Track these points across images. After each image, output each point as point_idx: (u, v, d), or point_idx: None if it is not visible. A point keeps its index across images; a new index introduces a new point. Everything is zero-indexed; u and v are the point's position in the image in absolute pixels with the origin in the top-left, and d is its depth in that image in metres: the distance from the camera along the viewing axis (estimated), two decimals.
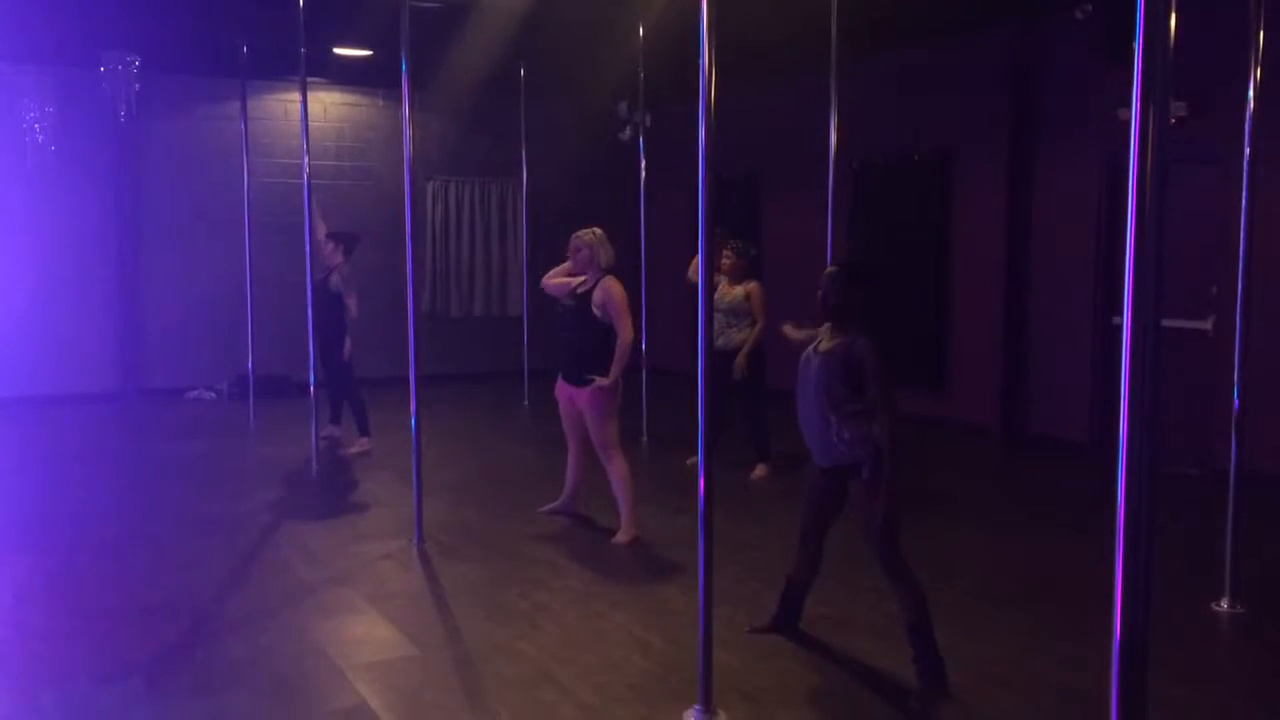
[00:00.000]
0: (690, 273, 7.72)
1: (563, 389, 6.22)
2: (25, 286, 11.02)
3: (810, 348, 4.22)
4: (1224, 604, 4.96)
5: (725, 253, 7.65)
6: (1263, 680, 4.30)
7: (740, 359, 7.50)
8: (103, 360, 11.47)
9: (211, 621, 4.83)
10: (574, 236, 6.17)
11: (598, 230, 6.17)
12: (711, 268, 3.80)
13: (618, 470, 6.10)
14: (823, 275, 4.22)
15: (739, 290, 7.64)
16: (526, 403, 11.17)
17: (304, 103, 8.06)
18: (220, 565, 5.66)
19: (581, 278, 6.17)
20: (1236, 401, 4.97)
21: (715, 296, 7.74)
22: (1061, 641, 4.57)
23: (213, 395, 11.68)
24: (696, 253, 4.02)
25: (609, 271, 6.09)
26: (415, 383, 6.06)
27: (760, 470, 7.74)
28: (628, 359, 6.02)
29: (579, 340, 6.06)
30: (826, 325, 4.20)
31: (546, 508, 6.67)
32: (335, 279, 8.56)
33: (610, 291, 5.99)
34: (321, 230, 8.53)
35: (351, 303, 8.51)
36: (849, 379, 4.01)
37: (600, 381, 5.94)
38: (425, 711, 3.89)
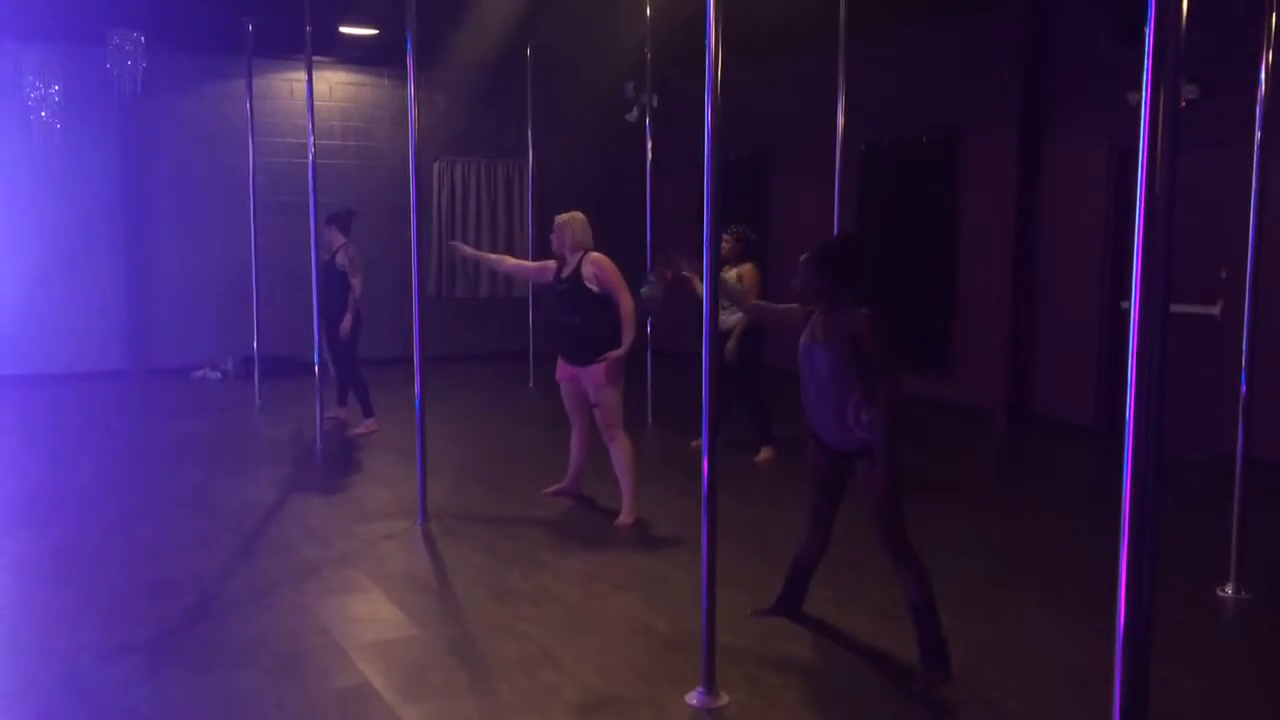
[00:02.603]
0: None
1: (565, 370, 6.21)
2: (31, 265, 11.04)
3: (806, 336, 4.17)
4: (1229, 589, 4.95)
5: (725, 237, 7.63)
6: (1267, 665, 4.29)
7: (730, 344, 7.47)
8: (108, 339, 11.49)
9: (215, 599, 4.84)
10: (556, 220, 6.23)
11: (575, 214, 6.18)
12: (718, 251, 3.77)
13: (621, 450, 6.09)
14: (798, 263, 4.13)
15: (731, 273, 7.63)
16: (531, 383, 11.17)
17: (309, 82, 8.03)
18: (224, 544, 5.68)
19: (550, 262, 6.25)
20: (1244, 387, 4.94)
21: None
22: (1065, 625, 4.56)
23: (218, 375, 11.69)
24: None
25: (587, 249, 6.10)
26: (420, 363, 6.05)
27: (764, 453, 7.73)
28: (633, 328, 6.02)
29: (581, 321, 6.02)
30: (817, 313, 4.14)
31: (550, 489, 6.68)
32: (341, 257, 8.52)
33: (600, 264, 6.00)
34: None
35: (357, 282, 8.45)
36: (856, 358, 3.97)
37: (614, 353, 5.92)
38: (428, 691, 3.90)
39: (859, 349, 3.95)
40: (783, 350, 7.70)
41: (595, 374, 6.00)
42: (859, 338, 3.95)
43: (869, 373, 3.96)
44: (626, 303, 5.97)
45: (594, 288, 5.96)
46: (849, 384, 3.99)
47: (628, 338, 5.97)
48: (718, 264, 3.75)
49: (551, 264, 6.29)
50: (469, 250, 6.70)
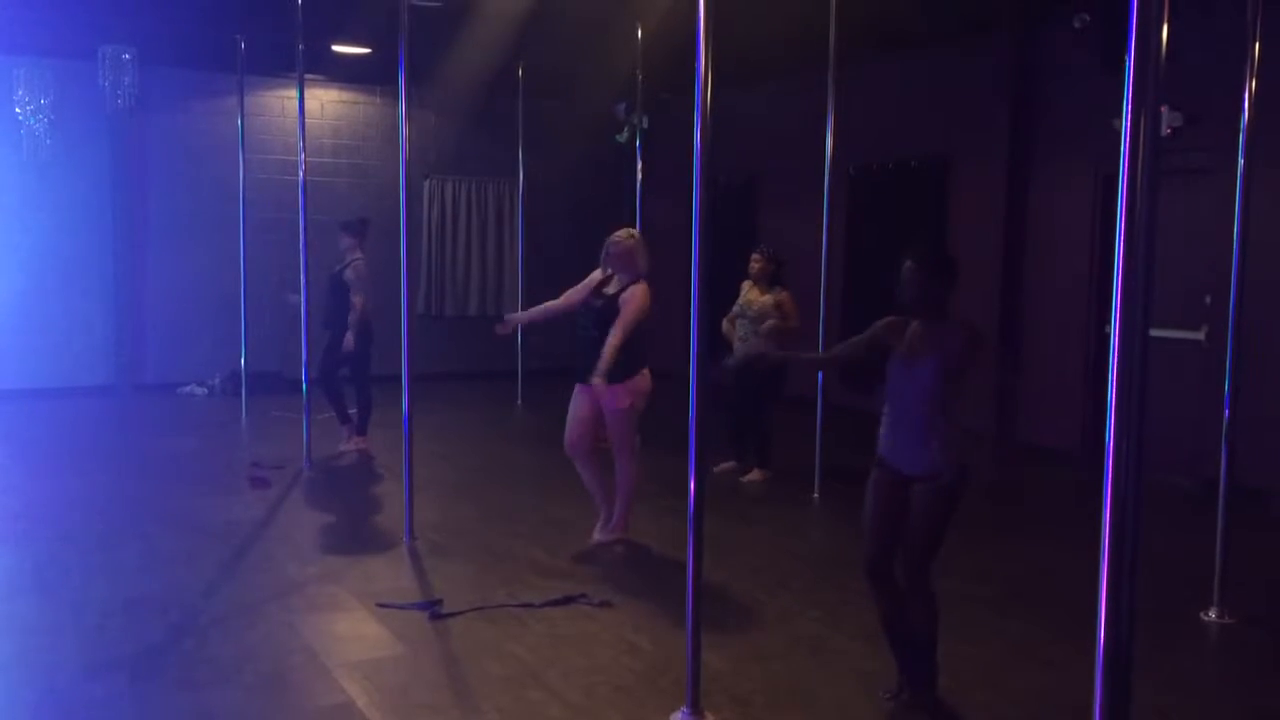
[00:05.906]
0: (725, 327, 7.73)
1: (586, 389, 6.03)
2: (20, 280, 11.01)
3: (902, 350, 3.92)
4: (1213, 613, 4.97)
5: (755, 256, 7.66)
6: (1249, 690, 4.31)
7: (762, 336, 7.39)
8: (96, 354, 11.45)
9: (199, 616, 4.82)
10: (611, 240, 5.93)
11: (633, 234, 5.98)
12: (710, 273, 3.72)
13: (629, 470, 6.04)
14: (904, 268, 3.90)
15: (768, 299, 7.58)
16: (520, 402, 11.16)
17: (301, 99, 8.05)
18: (209, 560, 5.65)
19: (602, 276, 6.00)
20: (1227, 412, 4.97)
21: (742, 303, 7.70)
22: (1049, 648, 4.57)
23: (205, 391, 11.65)
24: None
25: (642, 278, 5.92)
26: (408, 381, 6.05)
27: (755, 474, 7.72)
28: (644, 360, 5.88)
29: (601, 337, 5.81)
30: (916, 323, 3.92)
31: (597, 538, 6.18)
32: (349, 273, 8.26)
33: (635, 294, 5.80)
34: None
35: (358, 300, 8.17)
36: (957, 375, 3.80)
37: (621, 391, 5.79)
38: (412, 710, 3.88)
39: (961, 364, 3.79)
40: (802, 379, 7.69)
41: (611, 395, 5.85)
42: (966, 353, 3.79)
43: (960, 390, 3.83)
44: (615, 337, 5.67)
45: None
46: (942, 400, 3.81)
47: (612, 343, 5.66)
48: (710, 284, 3.71)
49: (595, 276, 6.03)
50: (518, 318, 6.66)
